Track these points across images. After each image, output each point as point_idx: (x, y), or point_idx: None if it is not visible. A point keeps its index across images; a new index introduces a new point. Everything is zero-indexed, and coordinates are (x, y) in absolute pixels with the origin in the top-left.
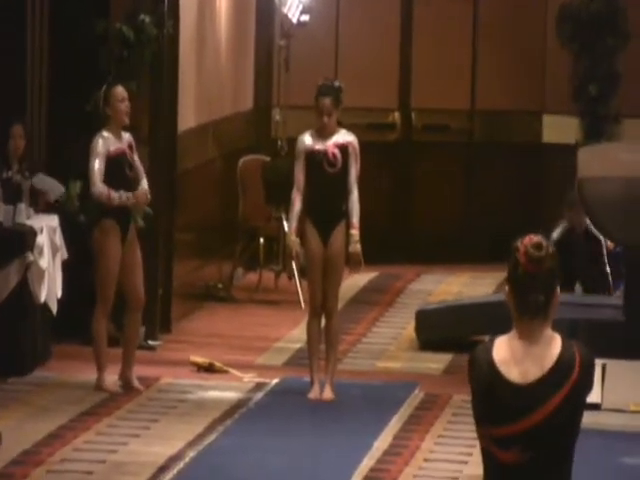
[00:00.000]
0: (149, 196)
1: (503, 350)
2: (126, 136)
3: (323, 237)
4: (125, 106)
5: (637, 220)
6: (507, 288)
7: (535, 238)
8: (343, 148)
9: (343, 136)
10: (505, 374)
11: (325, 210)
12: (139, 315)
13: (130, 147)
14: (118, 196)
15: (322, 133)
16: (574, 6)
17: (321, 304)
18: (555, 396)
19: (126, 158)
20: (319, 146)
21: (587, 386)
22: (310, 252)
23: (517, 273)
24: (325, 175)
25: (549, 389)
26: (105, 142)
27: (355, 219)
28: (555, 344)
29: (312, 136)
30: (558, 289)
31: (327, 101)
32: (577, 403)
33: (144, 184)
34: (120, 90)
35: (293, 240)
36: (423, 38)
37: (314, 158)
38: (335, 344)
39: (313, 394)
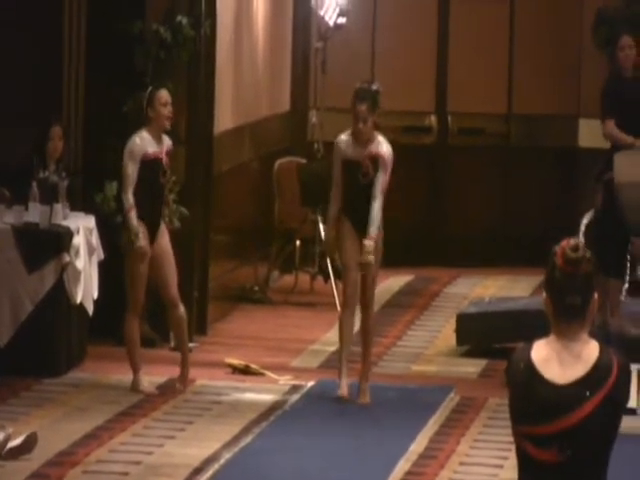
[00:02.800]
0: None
1: (542, 351)
2: (167, 141)
3: (358, 238)
4: (168, 110)
5: None
6: (545, 292)
7: (572, 241)
8: (375, 159)
9: (377, 146)
10: (543, 374)
11: (358, 216)
12: (179, 312)
13: (168, 154)
14: (134, 220)
15: (358, 139)
16: (610, 9)
17: (355, 304)
18: (593, 398)
19: (161, 164)
20: (354, 155)
21: (625, 390)
22: (346, 253)
23: (554, 275)
24: (359, 184)
25: (587, 391)
26: (142, 143)
27: (372, 229)
28: (593, 348)
29: (348, 142)
30: (596, 294)
31: (363, 107)
32: (615, 406)
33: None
34: (164, 94)
35: (331, 238)
36: (460, 41)
37: (349, 167)
38: (370, 345)
39: (341, 392)
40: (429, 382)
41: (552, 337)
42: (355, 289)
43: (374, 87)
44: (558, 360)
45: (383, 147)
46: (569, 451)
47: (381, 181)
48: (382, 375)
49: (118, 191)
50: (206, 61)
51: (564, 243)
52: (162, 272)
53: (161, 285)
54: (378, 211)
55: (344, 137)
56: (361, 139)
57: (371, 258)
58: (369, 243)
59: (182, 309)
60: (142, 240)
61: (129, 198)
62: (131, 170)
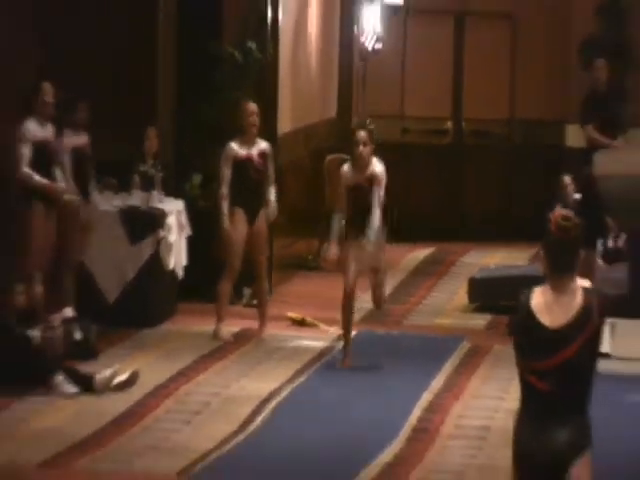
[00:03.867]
0: (275, 212)
1: (539, 299)
2: (261, 145)
3: (358, 239)
4: (253, 119)
5: (638, 209)
6: (542, 251)
7: (564, 212)
8: (372, 179)
9: (373, 168)
10: (540, 319)
11: (360, 223)
12: (263, 281)
13: (261, 155)
14: (223, 208)
15: (359, 163)
16: (592, 38)
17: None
18: (578, 338)
19: (252, 163)
20: (356, 179)
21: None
22: (349, 254)
23: (550, 239)
24: (360, 200)
25: (574, 332)
26: (231, 151)
27: (371, 233)
28: (579, 295)
29: (350, 171)
30: (582, 252)
31: (363, 133)
32: (597, 343)
33: (271, 195)
34: (251, 106)
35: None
36: (472, 61)
37: (354, 190)
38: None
39: (346, 363)
40: (446, 333)
41: (547, 287)
42: (354, 283)
43: (369, 125)
44: (551, 308)
45: (378, 168)
46: (561, 382)
47: (377, 196)
48: (411, 326)
49: (202, 181)
50: (270, 77)
51: (557, 213)
52: (255, 249)
53: (253, 259)
54: (375, 220)
55: (346, 168)
56: (361, 163)
57: (370, 247)
58: (368, 244)
59: (265, 279)
60: (227, 223)
61: (222, 191)
62: (224, 171)
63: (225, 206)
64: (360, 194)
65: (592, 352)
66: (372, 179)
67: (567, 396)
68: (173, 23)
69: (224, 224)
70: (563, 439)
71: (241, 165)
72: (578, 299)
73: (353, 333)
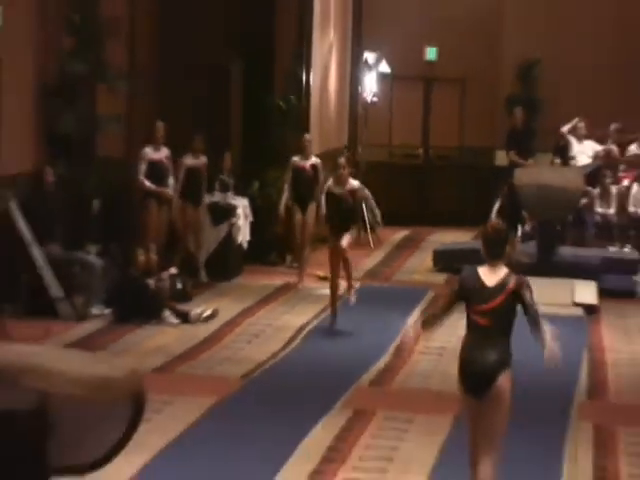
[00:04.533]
0: (324, 209)
1: (482, 270)
2: (313, 159)
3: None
4: (308, 142)
5: (543, 206)
6: (482, 244)
7: (495, 222)
8: (353, 193)
9: (352, 184)
10: (483, 281)
11: (338, 225)
12: (305, 252)
13: (312, 166)
14: (282, 203)
15: (340, 180)
16: (514, 94)
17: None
18: (502, 293)
19: (305, 172)
20: (338, 190)
21: (521, 293)
22: (332, 245)
23: (486, 237)
24: (342, 207)
25: (499, 290)
26: (293, 161)
27: (345, 238)
28: (504, 272)
29: (333, 183)
30: (507, 247)
31: (342, 160)
32: (514, 299)
33: (321, 198)
34: (308, 136)
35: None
36: (435, 108)
37: (334, 197)
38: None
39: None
40: (418, 285)
41: (485, 266)
42: (337, 270)
43: (347, 154)
44: (488, 276)
45: (356, 185)
46: (494, 319)
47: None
48: (396, 281)
49: (259, 187)
50: (304, 118)
51: (491, 222)
52: (303, 230)
53: (301, 238)
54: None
55: (330, 182)
56: (342, 180)
57: (344, 244)
58: (344, 241)
59: (305, 250)
60: (282, 210)
61: (284, 192)
62: (287, 174)
63: (285, 197)
64: (340, 203)
65: (512, 302)
66: (353, 192)
67: (497, 328)
68: (240, 84)
69: (280, 213)
70: (493, 357)
71: (298, 173)
72: (503, 273)
73: (358, 285)
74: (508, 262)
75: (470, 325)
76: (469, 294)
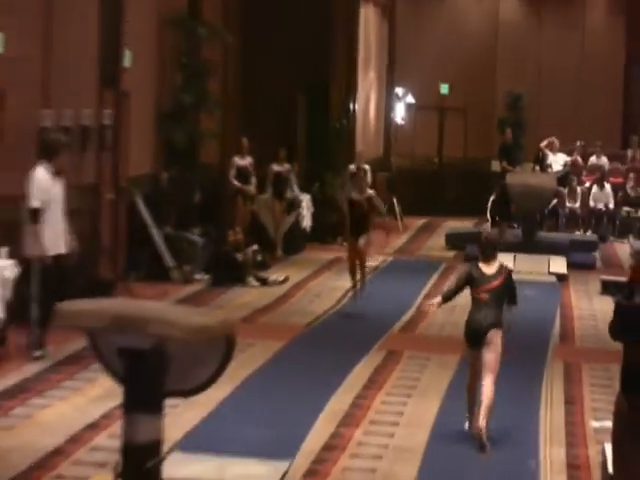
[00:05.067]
0: (383, 209)
1: (480, 264)
2: (363, 166)
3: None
4: (359, 154)
5: (526, 201)
6: (478, 248)
7: (487, 232)
8: (369, 199)
9: (368, 192)
10: (483, 270)
11: (357, 227)
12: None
13: (364, 171)
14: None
15: (358, 189)
16: (505, 118)
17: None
18: (498, 279)
19: (356, 177)
20: (356, 197)
21: (508, 281)
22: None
23: (482, 243)
24: (357, 211)
25: (495, 277)
26: (350, 169)
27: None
28: (498, 265)
29: (354, 190)
30: (497, 252)
31: (361, 172)
32: (508, 284)
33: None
34: (360, 149)
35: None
36: (447, 130)
37: (354, 203)
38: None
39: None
40: (435, 260)
41: (482, 262)
42: (355, 261)
43: (365, 167)
44: (486, 267)
45: (371, 192)
46: (492, 296)
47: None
48: (419, 255)
49: (319, 186)
50: (352, 135)
51: (485, 232)
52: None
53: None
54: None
55: (353, 190)
56: (360, 189)
57: (362, 244)
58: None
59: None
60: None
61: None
62: (345, 181)
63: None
64: (359, 208)
65: (506, 286)
66: (369, 199)
67: (492, 302)
68: (305, 111)
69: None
70: (489, 319)
71: (353, 177)
72: (497, 265)
73: (390, 259)
74: (502, 241)
75: (474, 300)
76: (474, 280)
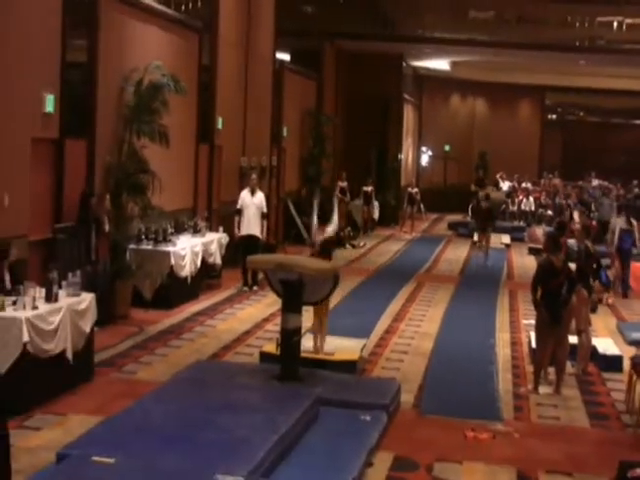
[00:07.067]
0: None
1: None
2: (415, 189)
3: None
4: (412, 183)
5: (489, 205)
6: (471, 216)
7: (484, 194)
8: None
9: (374, 203)
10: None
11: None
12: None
13: (416, 192)
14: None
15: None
16: (482, 152)
17: None
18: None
19: (413, 193)
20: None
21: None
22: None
23: (477, 209)
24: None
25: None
26: (409, 190)
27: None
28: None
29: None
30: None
31: (369, 189)
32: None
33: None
34: (411, 180)
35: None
36: (449, 169)
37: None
38: None
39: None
40: (441, 236)
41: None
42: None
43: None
44: (479, 239)
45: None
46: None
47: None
48: (433, 233)
49: (383, 197)
50: (399, 171)
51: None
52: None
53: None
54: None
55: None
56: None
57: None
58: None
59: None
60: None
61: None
62: (406, 196)
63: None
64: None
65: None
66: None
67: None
68: (375, 158)
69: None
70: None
71: (409, 193)
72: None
73: (419, 235)
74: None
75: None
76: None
